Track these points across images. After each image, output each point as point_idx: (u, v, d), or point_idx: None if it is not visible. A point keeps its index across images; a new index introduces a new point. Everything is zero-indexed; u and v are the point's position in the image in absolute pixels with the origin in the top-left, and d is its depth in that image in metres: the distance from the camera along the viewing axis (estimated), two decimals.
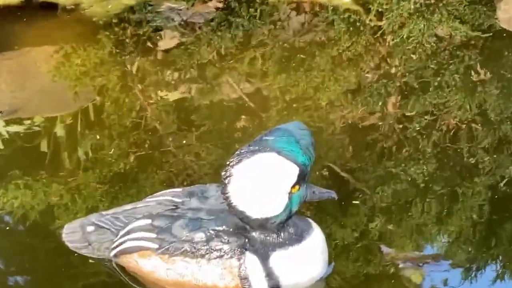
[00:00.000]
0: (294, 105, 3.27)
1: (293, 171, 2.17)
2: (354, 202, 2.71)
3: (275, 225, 2.26)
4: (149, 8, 3.98)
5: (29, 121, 3.19)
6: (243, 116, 3.24)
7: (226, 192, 2.22)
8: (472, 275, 2.44)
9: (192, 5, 3.92)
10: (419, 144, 3.02)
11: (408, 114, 3.20)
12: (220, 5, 3.96)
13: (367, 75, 3.48)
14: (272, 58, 3.59)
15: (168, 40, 3.74)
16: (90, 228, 2.47)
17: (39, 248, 2.55)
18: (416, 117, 3.16)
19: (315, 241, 2.33)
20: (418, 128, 3.09)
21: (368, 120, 3.15)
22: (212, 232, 2.32)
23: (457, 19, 3.77)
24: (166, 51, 3.67)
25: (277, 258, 2.26)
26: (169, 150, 2.99)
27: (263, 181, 2.19)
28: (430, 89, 3.31)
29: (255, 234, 2.28)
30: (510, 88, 3.37)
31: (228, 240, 2.29)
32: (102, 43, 3.62)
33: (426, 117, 3.16)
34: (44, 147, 3.04)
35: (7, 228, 2.66)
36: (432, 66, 3.46)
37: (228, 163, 2.21)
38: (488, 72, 3.43)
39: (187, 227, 2.32)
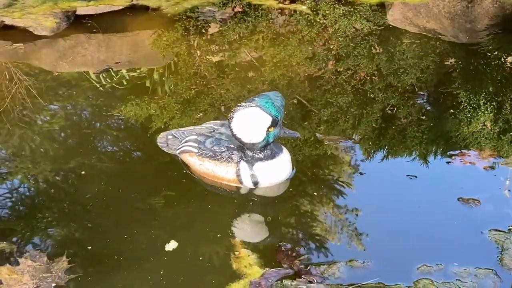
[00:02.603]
0: (278, 64, 3.83)
1: (268, 119, 2.75)
2: (310, 117, 3.31)
3: (258, 147, 2.82)
4: (198, 9, 4.52)
5: (139, 70, 3.85)
6: (251, 70, 3.81)
7: (230, 127, 2.81)
8: (371, 148, 3.10)
9: (224, 9, 4.51)
10: (344, 85, 3.59)
11: (338, 69, 3.78)
12: (240, 9, 4.55)
13: (317, 49, 4.02)
14: (267, 39, 4.16)
15: (212, 28, 4.35)
16: (170, 137, 3.07)
17: (141, 144, 3.16)
18: (342, 71, 3.75)
19: (283, 158, 2.87)
20: (344, 77, 3.69)
21: (318, 73, 3.76)
22: (225, 147, 2.88)
23: (365, 19, 4.37)
24: (211, 34, 4.29)
25: (258, 166, 2.84)
26: (212, 87, 3.59)
27: (250, 122, 2.77)
28: (350, 56, 3.90)
29: (248, 151, 2.85)
30: (393, 57, 3.89)
31: (232, 153, 2.87)
32: (176, 29, 4.27)
33: (348, 71, 3.75)
34: (148, 84, 3.71)
35: (124, 128, 3.28)
36: (351, 44, 4.06)
37: (232, 110, 2.79)
38: (381, 48, 4.03)
39: (213, 143, 2.90)
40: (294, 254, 2.50)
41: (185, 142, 2.94)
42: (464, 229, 2.59)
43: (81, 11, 4.36)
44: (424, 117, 3.29)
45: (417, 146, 3.08)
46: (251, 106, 2.73)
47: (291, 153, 2.89)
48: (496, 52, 3.91)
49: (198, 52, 4.04)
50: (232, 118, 2.77)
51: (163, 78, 3.74)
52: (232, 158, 2.84)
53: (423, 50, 3.98)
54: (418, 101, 3.43)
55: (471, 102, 3.36)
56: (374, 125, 3.22)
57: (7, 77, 3.71)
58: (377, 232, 2.58)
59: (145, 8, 4.47)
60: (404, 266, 2.41)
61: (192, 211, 2.70)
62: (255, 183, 2.83)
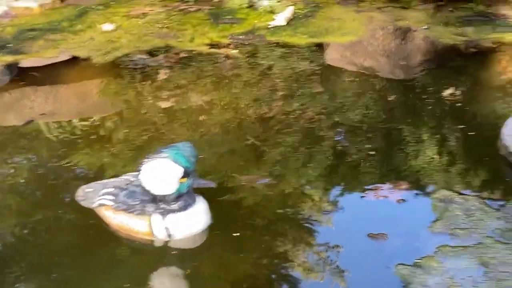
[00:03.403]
0: (226, 107, 3.88)
1: (179, 170, 2.73)
2: (263, 157, 3.35)
3: (170, 199, 2.79)
4: (129, 57, 4.54)
5: (91, 120, 3.81)
6: (201, 114, 3.80)
7: (139, 179, 2.81)
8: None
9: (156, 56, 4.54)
10: (293, 125, 3.64)
11: (287, 109, 3.81)
12: (184, 54, 4.58)
13: (262, 90, 4.07)
14: (213, 83, 4.18)
15: (157, 74, 4.32)
16: (87, 190, 3.05)
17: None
18: (290, 111, 3.80)
19: (197, 209, 2.84)
20: (292, 116, 3.73)
21: (267, 113, 3.80)
22: (139, 200, 2.85)
23: (307, 59, 4.47)
24: (158, 80, 4.25)
25: (170, 218, 2.81)
26: (163, 132, 3.62)
27: (159, 174, 2.75)
28: (294, 96, 3.98)
29: (161, 203, 2.81)
30: (336, 96, 3.98)
31: (146, 205, 2.84)
32: (123, 77, 4.29)
33: (295, 111, 3.79)
34: (102, 132, 3.68)
35: (80, 178, 3.24)
36: (295, 85, 4.13)
37: (141, 163, 2.79)
38: (322, 87, 4.09)
39: (126, 195, 2.88)
40: None
41: (102, 195, 2.94)
42: (371, 265, 2.66)
43: (25, 63, 4.37)
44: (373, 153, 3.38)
45: (336, 181, 3.18)
46: (160, 158, 2.74)
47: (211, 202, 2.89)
48: (431, 87, 4.05)
49: (147, 98, 4.05)
50: (141, 170, 2.78)
51: (113, 127, 3.74)
52: (145, 211, 2.82)
53: (363, 87, 4.06)
54: (364, 138, 3.52)
55: (414, 137, 3.50)
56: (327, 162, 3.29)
57: None
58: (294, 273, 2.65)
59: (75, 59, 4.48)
60: None
61: (105, 266, 2.71)
62: (169, 236, 2.81)
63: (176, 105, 3.93)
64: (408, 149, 3.40)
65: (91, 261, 2.73)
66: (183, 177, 2.75)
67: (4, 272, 2.67)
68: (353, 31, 4.87)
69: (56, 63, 4.44)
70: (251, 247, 2.78)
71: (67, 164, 3.37)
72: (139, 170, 2.78)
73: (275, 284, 2.64)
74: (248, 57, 4.56)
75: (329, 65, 4.44)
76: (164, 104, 3.95)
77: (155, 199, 2.81)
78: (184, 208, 2.81)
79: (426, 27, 4.87)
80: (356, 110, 3.77)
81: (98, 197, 2.94)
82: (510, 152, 3.22)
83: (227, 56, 4.56)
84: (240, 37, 4.87)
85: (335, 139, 3.51)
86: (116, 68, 4.41)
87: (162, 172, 2.74)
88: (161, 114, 3.84)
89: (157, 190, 2.78)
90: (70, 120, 3.82)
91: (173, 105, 3.93)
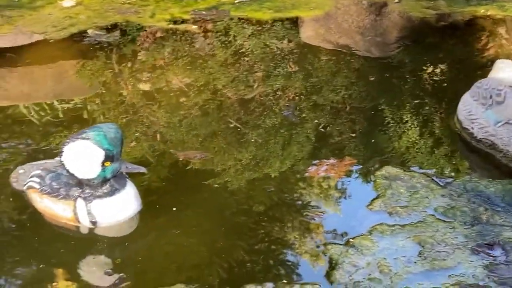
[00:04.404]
0: (202, 88, 3.83)
1: (100, 153, 2.59)
2: (244, 140, 3.32)
3: (95, 183, 2.66)
4: (86, 34, 4.45)
5: (72, 102, 3.74)
6: (180, 96, 3.76)
7: (62, 161, 2.67)
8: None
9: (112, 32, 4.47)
10: (273, 107, 3.61)
11: (265, 90, 3.79)
12: (160, 34, 4.47)
13: (238, 70, 4.01)
14: (187, 63, 4.11)
15: (131, 53, 4.28)
16: (20, 171, 2.96)
17: None
18: (270, 92, 3.77)
19: (124, 195, 2.70)
20: (271, 97, 3.71)
21: (246, 94, 3.78)
22: (64, 183, 2.73)
23: (278, 37, 4.39)
24: (133, 60, 4.21)
25: (94, 204, 2.69)
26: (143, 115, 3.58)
27: (81, 156, 2.62)
28: (271, 76, 3.93)
29: (86, 188, 2.69)
30: (313, 75, 3.91)
31: (71, 189, 2.71)
32: (98, 57, 4.19)
33: (275, 92, 3.77)
34: (85, 115, 3.61)
35: None
36: (271, 64, 4.06)
37: (63, 143, 2.69)
38: (297, 66, 4.06)
39: (52, 178, 2.76)
40: None
41: (31, 177, 2.83)
42: (302, 244, 2.64)
43: None
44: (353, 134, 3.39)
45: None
46: (82, 139, 2.61)
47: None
48: (408, 65, 4.05)
49: (124, 79, 4.00)
50: (62, 152, 2.65)
51: (89, 109, 3.69)
52: (69, 195, 2.71)
53: (339, 66, 4.04)
54: (346, 119, 3.52)
55: (395, 117, 3.50)
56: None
57: None
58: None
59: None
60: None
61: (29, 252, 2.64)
62: (93, 223, 2.71)
63: (153, 86, 3.90)
64: (358, 126, 3.43)
65: (15, 245, 2.68)
66: (106, 160, 2.62)
67: None
68: (320, 5, 4.78)
69: (31, 43, 4.34)
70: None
71: (45, 148, 3.31)
72: (61, 152, 2.66)
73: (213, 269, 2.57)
74: (220, 35, 4.48)
75: (305, 43, 4.37)
76: (142, 86, 3.92)
77: (81, 183, 2.70)
78: (110, 193, 2.69)
79: (397, 0, 4.78)
80: (335, 90, 3.78)
81: (28, 179, 2.84)
82: (464, 128, 3.24)
83: (205, 36, 4.49)
84: (203, 12, 4.73)
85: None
86: (76, 45, 4.35)
87: (82, 155, 2.61)
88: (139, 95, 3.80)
89: (79, 174, 2.66)
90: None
91: (151, 87, 3.89)
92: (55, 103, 3.75)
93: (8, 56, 4.20)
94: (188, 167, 3.08)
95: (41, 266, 2.59)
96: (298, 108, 3.60)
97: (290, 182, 3.01)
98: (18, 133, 3.45)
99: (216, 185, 2.97)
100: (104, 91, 3.86)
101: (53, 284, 2.49)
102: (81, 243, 2.69)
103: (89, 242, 2.69)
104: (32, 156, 3.20)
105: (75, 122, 3.52)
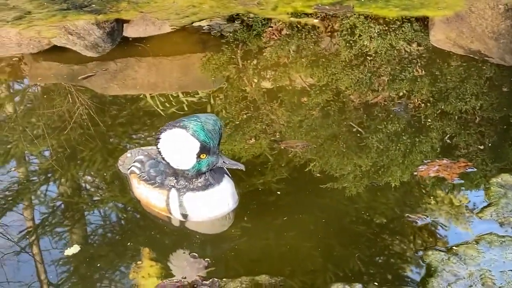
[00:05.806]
0: (324, 88, 3.78)
1: (196, 144, 2.47)
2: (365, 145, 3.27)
3: (190, 175, 2.55)
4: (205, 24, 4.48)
5: (197, 96, 3.79)
6: (300, 95, 3.75)
7: (158, 148, 2.58)
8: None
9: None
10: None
11: (390, 95, 3.68)
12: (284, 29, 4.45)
13: (362, 72, 3.92)
14: (310, 62, 4.07)
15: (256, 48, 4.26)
16: (128, 155, 2.96)
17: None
18: (395, 97, 3.68)
19: (218, 191, 2.58)
20: (394, 103, 3.63)
21: (364, 98, 3.67)
22: (161, 171, 2.66)
23: (407, 39, 4.26)
24: (258, 55, 4.19)
25: (186, 197, 2.58)
26: (264, 112, 3.60)
27: (176, 146, 2.52)
28: (396, 80, 3.81)
29: (181, 179, 2.59)
30: (436, 80, 3.79)
31: (165, 178, 2.63)
32: (223, 51, 4.21)
33: (401, 98, 3.68)
34: (209, 109, 3.65)
35: None
36: (397, 68, 3.93)
37: (158, 131, 2.59)
38: (424, 71, 3.92)
39: (150, 165, 2.70)
40: None
41: (134, 161, 2.80)
42: (401, 249, 2.55)
43: (130, 33, 4.39)
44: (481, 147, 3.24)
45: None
46: (179, 127, 2.50)
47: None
48: None
49: (247, 75, 4.00)
50: (159, 139, 2.55)
51: (213, 103, 3.71)
52: (164, 184, 2.63)
53: (469, 73, 3.86)
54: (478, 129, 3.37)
55: None
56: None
57: (71, 101, 3.73)
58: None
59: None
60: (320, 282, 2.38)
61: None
62: (184, 216, 2.62)
63: (275, 84, 3.87)
64: (487, 140, 3.24)
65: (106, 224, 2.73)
66: (202, 153, 2.50)
67: None
68: (450, 5, 4.50)
69: (161, 34, 4.40)
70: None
71: None
72: (157, 139, 2.56)
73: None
74: (346, 34, 4.36)
75: (434, 46, 4.21)
76: (265, 83, 3.90)
77: (176, 173, 2.60)
78: (203, 188, 2.57)
79: None
80: (464, 99, 3.62)
81: (131, 164, 2.81)
82: None
83: (331, 36, 4.40)
84: (326, 7, 4.59)
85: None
86: (196, 34, 4.37)
87: (177, 144, 2.51)
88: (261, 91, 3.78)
89: (174, 163, 2.57)
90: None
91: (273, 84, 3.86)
92: (180, 95, 3.79)
93: (136, 46, 4.28)
94: (306, 169, 3.03)
95: (128, 244, 2.61)
96: (418, 111, 3.48)
97: (413, 196, 2.89)
98: (148, 126, 3.51)
99: (334, 190, 2.91)
100: (227, 86, 3.86)
101: (138, 262, 2.50)
102: (171, 232, 2.67)
103: (179, 233, 2.66)
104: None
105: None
